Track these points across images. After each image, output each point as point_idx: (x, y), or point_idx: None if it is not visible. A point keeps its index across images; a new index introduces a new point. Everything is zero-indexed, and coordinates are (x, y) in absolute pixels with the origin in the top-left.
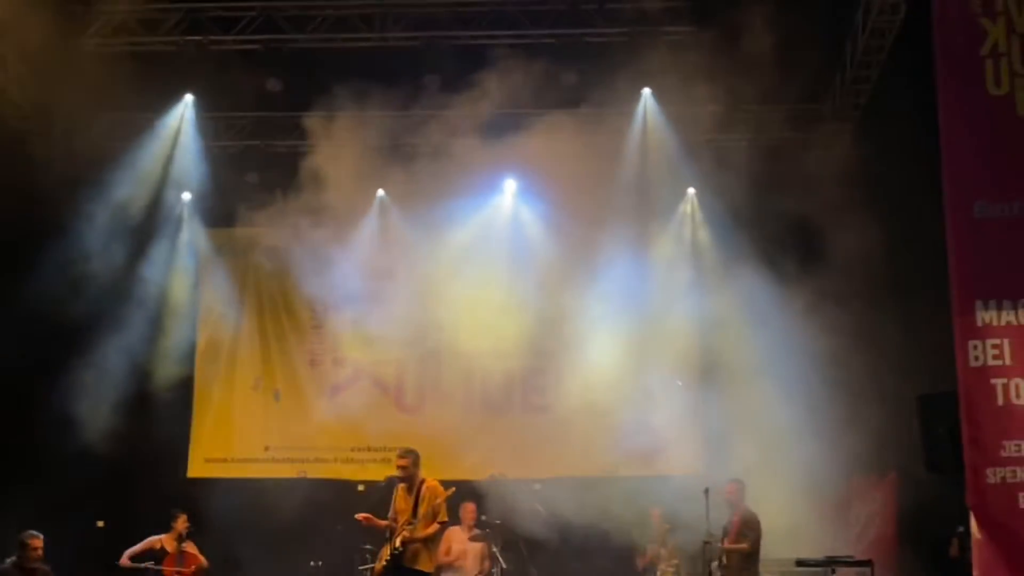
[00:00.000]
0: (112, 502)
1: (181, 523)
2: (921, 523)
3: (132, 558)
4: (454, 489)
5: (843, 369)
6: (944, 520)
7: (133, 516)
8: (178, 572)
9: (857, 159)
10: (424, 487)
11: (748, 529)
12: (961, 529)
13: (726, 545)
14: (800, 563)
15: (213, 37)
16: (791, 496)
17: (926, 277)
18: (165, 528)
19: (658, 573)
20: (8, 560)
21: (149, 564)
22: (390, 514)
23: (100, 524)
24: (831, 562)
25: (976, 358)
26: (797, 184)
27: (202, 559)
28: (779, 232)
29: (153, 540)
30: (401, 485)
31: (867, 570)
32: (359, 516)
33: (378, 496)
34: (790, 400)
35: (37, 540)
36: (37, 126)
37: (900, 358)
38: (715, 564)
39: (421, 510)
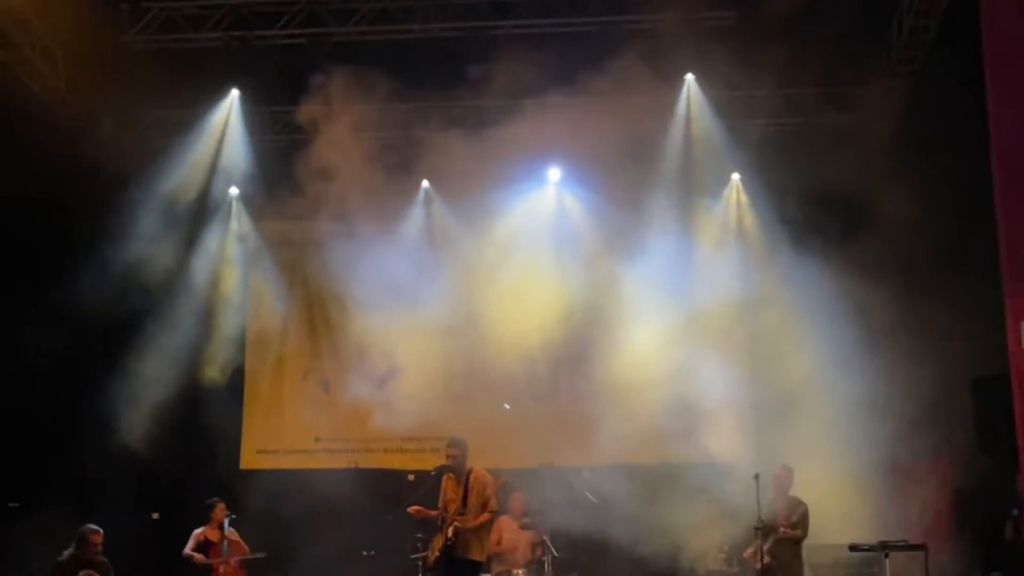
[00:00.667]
0: (167, 494)
1: (219, 512)
2: (975, 506)
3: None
4: (504, 480)
5: (895, 351)
6: (999, 503)
7: (187, 508)
8: (223, 563)
9: (904, 138)
10: (472, 477)
11: (798, 516)
12: (1016, 512)
13: (783, 532)
14: (853, 548)
15: (258, 32)
16: (843, 481)
17: (980, 257)
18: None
19: (709, 560)
20: (66, 552)
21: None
22: (440, 504)
23: (155, 516)
24: (885, 546)
25: None
26: (843, 166)
27: (245, 545)
28: (825, 214)
29: (198, 534)
30: (450, 475)
31: (921, 554)
32: (411, 509)
33: (428, 486)
34: (840, 383)
35: (98, 536)
36: (86, 124)
37: (953, 339)
38: (766, 549)
39: (471, 500)
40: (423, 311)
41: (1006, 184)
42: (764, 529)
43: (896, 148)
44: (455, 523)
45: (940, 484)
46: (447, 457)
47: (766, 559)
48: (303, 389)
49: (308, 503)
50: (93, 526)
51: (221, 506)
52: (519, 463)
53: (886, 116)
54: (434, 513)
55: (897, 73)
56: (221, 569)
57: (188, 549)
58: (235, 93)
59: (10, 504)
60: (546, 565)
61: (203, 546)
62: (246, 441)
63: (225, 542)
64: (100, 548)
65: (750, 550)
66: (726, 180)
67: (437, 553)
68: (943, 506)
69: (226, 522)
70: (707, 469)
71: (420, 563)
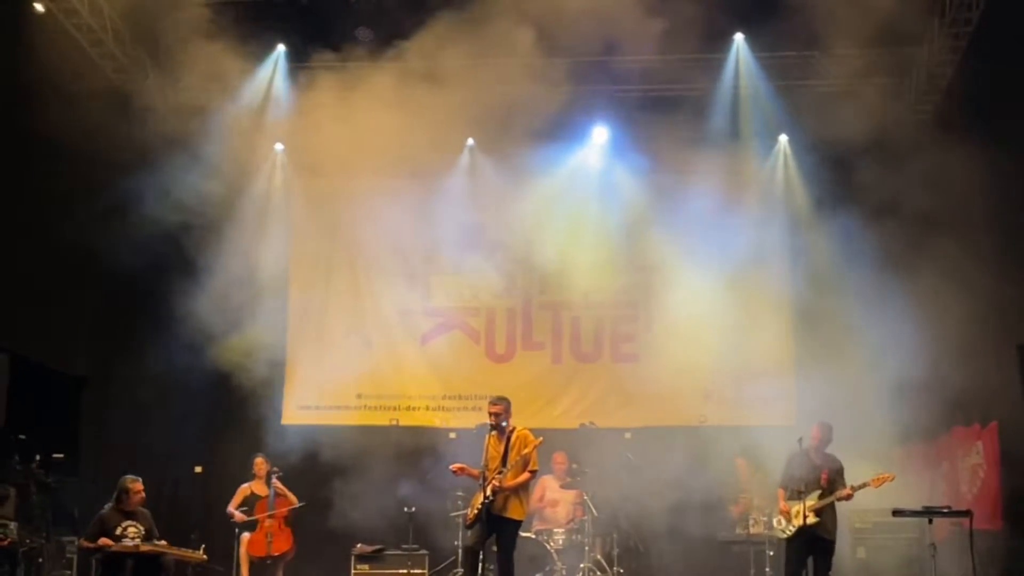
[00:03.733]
0: (209, 448)
1: (259, 466)
2: (1022, 474)
3: (236, 508)
4: (542, 439)
5: (942, 316)
6: None
7: (229, 461)
8: (269, 516)
9: (956, 104)
10: (514, 435)
11: (839, 475)
12: None
13: (840, 494)
14: (896, 512)
15: None
16: (888, 446)
17: None
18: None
19: (751, 521)
20: (108, 505)
21: (251, 517)
22: (482, 461)
23: (198, 469)
24: (929, 512)
25: None
26: (893, 130)
27: (291, 497)
28: (874, 178)
29: (243, 488)
30: (492, 433)
31: (966, 520)
32: (453, 467)
33: (469, 443)
34: (886, 348)
35: (138, 484)
36: (132, 77)
37: (1002, 305)
38: (811, 507)
39: (511, 458)
40: (466, 269)
41: None
42: (805, 492)
43: (948, 110)
44: (494, 482)
45: (988, 451)
46: (490, 415)
47: (811, 518)
48: (345, 346)
49: (349, 459)
50: (132, 476)
51: (259, 460)
52: (561, 423)
53: (938, 77)
54: (476, 472)
55: (949, 35)
56: (266, 523)
57: (232, 506)
58: (281, 48)
59: (54, 456)
60: (586, 525)
61: (249, 500)
62: (288, 397)
63: (272, 496)
64: (141, 496)
65: (795, 507)
66: (774, 141)
67: (476, 510)
68: (992, 473)
69: (273, 477)
70: (751, 433)
71: (460, 520)
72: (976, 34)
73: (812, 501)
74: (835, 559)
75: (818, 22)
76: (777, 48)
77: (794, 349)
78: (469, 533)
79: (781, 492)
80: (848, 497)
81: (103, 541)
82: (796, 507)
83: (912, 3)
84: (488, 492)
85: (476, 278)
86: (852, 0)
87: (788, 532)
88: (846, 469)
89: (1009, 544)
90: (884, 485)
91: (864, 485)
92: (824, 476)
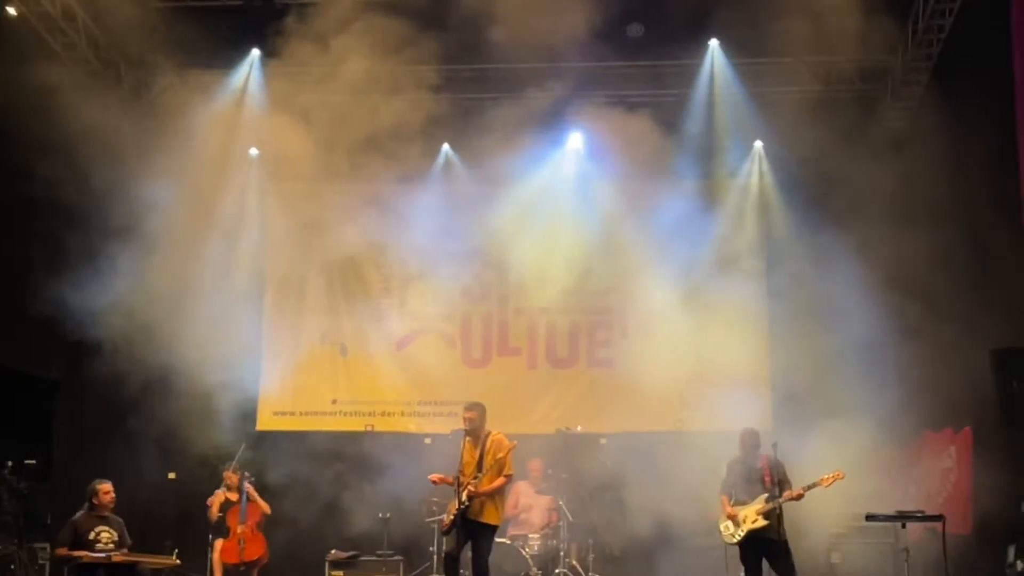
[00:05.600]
0: (183, 455)
1: (230, 479)
2: (994, 478)
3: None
4: (516, 443)
5: (915, 322)
6: (1019, 474)
7: (203, 468)
8: (240, 524)
9: (930, 109)
10: (489, 440)
11: (785, 477)
12: None
13: (790, 495)
14: (870, 517)
15: None
16: (861, 451)
17: (1002, 229)
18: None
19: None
20: (81, 510)
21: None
22: (457, 467)
23: (171, 476)
24: (902, 517)
25: None
26: (867, 135)
27: (263, 505)
28: (848, 184)
29: (218, 494)
30: (467, 438)
31: (939, 525)
32: (432, 478)
33: (444, 448)
34: (860, 354)
35: (106, 485)
36: (106, 81)
37: (975, 311)
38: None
39: (486, 463)
40: (442, 275)
41: None
42: (752, 492)
43: (921, 116)
44: (469, 487)
45: (961, 456)
46: (465, 420)
47: (759, 521)
48: (320, 352)
49: (324, 465)
50: (101, 479)
51: (228, 473)
52: (537, 428)
53: (912, 84)
54: (451, 479)
55: (922, 42)
56: (239, 530)
57: (215, 509)
58: (256, 53)
59: (26, 461)
60: (562, 530)
61: (223, 507)
62: (263, 403)
63: (244, 502)
64: (111, 497)
65: (742, 512)
66: (749, 148)
67: (452, 516)
68: (965, 478)
69: (245, 482)
70: (726, 438)
71: (435, 526)
72: (948, 43)
73: (760, 504)
74: (810, 564)
75: (793, 29)
76: (752, 54)
77: (769, 353)
78: (446, 540)
79: (724, 499)
80: (799, 497)
81: (77, 553)
82: (743, 511)
83: (885, 12)
84: (463, 497)
85: (452, 284)
86: (826, 8)
87: (737, 536)
88: (820, 473)
89: (979, 548)
90: (862, 490)
91: (814, 485)
92: (767, 478)
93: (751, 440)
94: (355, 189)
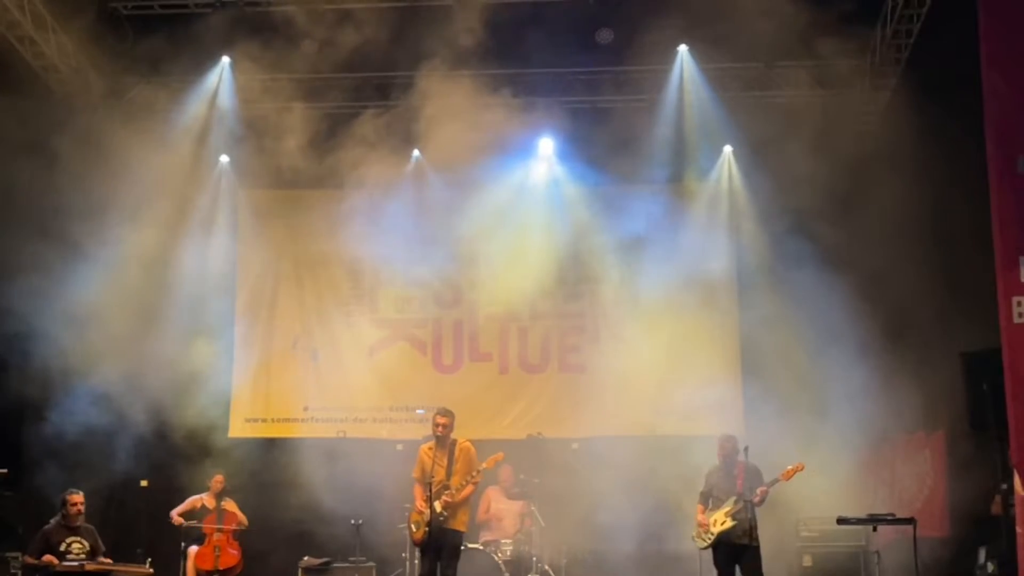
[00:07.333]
0: (155, 462)
1: (216, 482)
2: (966, 481)
3: (181, 515)
4: (502, 454)
5: (886, 326)
6: (988, 478)
7: (176, 476)
8: (218, 529)
9: (898, 114)
10: (457, 448)
11: (758, 480)
12: (1004, 487)
13: (758, 491)
14: (841, 520)
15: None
16: (833, 454)
17: (970, 232)
18: (204, 488)
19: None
20: (53, 520)
21: (193, 522)
22: (418, 473)
23: (144, 483)
24: (873, 520)
25: (1020, 315)
26: (837, 140)
27: (241, 516)
28: (818, 189)
29: (195, 499)
30: (427, 444)
31: (910, 528)
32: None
33: (415, 455)
34: (832, 358)
35: (76, 496)
36: (76, 90)
37: (945, 315)
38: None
39: (456, 470)
40: (413, 281)
41: (998, 159)
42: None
43: (888, 123)
44: (445, 497)
45: (934, 459)
46: (436, 426)
47: (727, 523)
48: (292, 358)
49: (296, 472)
50: (72, 489)
51: (218, 477)
52: (508, 434)
53: (879, 90)
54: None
55: (891, 47)
56: (214, 537)
57: (177, 511)
58: (226, 61)
59: None
60: (534, 536)
61: (198, 512)
62: (235, 410)
63: (220, 511)
64: (81, 508)
65: (712, 516)
66: (719, 152)
67: (425, 527)
68: (938, 481)
69: (226, 497)
70: (698, 442)
71: (407, 532)
72: (916, 47)
73: (729, 506)
74: (781, 567)
75: (763, 33)
76: (721, 59)
77: (741, 358)
78: (420, 563)
79: (700, 507)
80: (763, 495)
81: (47, 558)
82: (713, 515)
83: (854, 15)
84: (439, 509)
85: (423, 289)
86: (796, 11)
87: (707, 540)
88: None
89: (954, 550)
90: (834, 493)
91: (775, 481)
92: (739, 482)
93: (730, 446)
94: (326, 196)
